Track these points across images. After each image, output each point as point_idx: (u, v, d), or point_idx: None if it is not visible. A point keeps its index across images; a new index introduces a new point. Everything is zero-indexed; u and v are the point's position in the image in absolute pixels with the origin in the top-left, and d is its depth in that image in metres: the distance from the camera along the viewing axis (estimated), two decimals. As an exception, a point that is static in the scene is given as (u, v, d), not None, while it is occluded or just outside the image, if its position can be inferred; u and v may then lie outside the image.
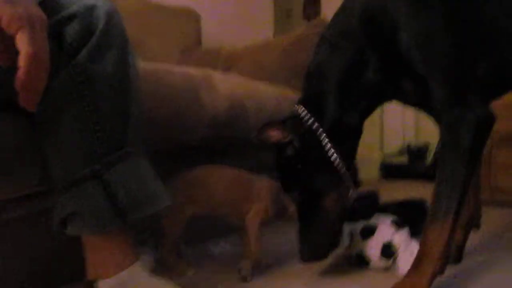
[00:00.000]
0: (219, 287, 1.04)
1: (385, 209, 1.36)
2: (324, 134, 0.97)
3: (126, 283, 0.78)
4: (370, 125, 2.91)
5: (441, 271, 0.88)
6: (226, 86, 1.25)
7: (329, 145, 0.97)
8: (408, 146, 2.90)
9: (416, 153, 2.84)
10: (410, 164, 2.83)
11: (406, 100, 0.97)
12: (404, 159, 2.91)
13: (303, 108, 0.99)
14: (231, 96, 1.23)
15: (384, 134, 2.99)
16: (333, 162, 0.97)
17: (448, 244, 0.86)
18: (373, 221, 1.16)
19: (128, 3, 1.95)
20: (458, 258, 1.16)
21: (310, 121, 0.97)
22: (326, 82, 0.98)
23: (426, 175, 2.39)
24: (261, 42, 1.96)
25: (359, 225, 1.16)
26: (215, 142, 1.24)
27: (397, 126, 2.99)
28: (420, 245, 0.89)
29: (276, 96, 1.46)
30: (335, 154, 0.97)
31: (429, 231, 0.87)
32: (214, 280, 1.08)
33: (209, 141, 1.22)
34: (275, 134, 0.99)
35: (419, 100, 0.94)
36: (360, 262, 1.13)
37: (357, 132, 1.04)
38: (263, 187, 1.12)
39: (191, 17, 2.19)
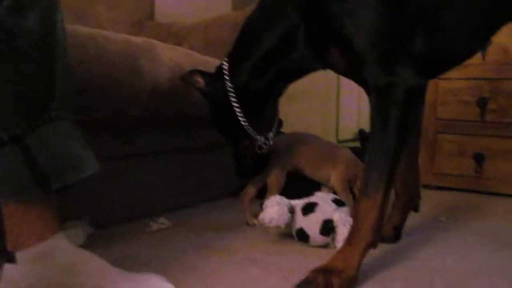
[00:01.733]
0: (155, 263, 1.01)
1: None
2: (233, 93, 1.04)
3: (45, 254, 0.74)
4: (326, 112, 2.93)
5: (373, 244, 0.88)
6: (170, 57, 1.20)
7: (235, 104, 1.04)
8: (361, 131, 2.93)
9: (368, 138, 2.87)
10: (363, 149, 2.86)
11: (335, 69, 0.96)
12: (357, 144, 2.95)
13: (227, 64, 1.05)
14: (174, 67, 1.18)
15: (340, 120, 3.01)
16: (238, 119, 1.06)
17: (380, 217, 0.86)
18: (314, 198, 1.16)
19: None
20: (395, 238, 1.17)
21: (226, 78, 1.04)
22: (250, 43, 1.01)
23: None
24: (213, 17, 1.91)
25: (301, 201, 1.16)
26: (157, 113, 1.20)
27: (352, 112, 3.02)
28: (353, 218, 0.89)
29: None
30: (239, 112, 1.05)
31: (361, 204, 0.87)
32: (150, 256, 1.04)
33: (151, 112, 1.17)
34: (197, 81, 1.11)
35: (347, 69, 0.93)
36: (300, 237, 1.13)
37: (273, 95, 1.09)
38: (342, 154, 1.37)
39: (144, -10, 2.10)
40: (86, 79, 0.97)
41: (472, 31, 0.92)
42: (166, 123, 1.32)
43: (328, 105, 2.92)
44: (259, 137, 1.11)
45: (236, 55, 1.05)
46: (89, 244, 0.99)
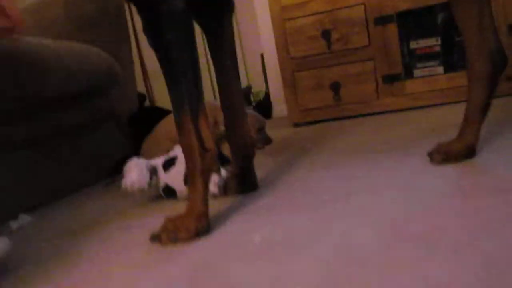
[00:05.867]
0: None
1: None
2: None
3: None
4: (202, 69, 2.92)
5: (214, 168, 0.85)
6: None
7: None
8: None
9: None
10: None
11: None
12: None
13: None
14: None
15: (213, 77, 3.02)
16: None
17: (200, 138, 0.83)
18: (173, 152, 1.15)
19: None
20: (252, 188, 1.10)
21: None
22: None
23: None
24: (41, -1, 1.77)
25: (161, 159, 1.14)
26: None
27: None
28: (184, 157, 0.86)
29: (58, 50, 1.32)
30: None
31: (180, 141, 0.84)
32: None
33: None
34: None
35: None
36: (168, 194, 1.11)
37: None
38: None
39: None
40: None
41: None
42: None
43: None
44: None
45: None
46: None
